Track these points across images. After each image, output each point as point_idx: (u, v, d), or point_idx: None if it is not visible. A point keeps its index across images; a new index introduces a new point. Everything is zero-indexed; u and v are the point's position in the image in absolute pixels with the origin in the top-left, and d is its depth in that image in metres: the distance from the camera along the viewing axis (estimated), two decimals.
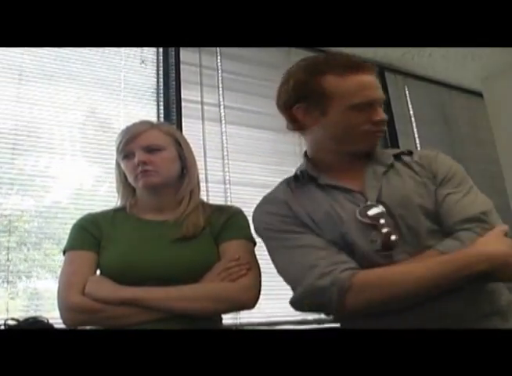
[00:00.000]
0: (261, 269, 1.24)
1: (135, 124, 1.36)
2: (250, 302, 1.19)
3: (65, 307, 1.15)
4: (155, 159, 1.28)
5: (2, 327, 1.36)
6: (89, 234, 1.26)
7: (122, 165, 1.33)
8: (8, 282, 1.92)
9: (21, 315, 1.85)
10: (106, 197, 2.12)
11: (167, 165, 1.30)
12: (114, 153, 1.36)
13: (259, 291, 1.20)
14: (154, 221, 1.30)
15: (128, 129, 1.34)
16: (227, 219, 1.30)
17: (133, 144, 1.28)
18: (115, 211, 1.35)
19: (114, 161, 1.39)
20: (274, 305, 2.04)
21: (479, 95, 3.58)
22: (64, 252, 1.27)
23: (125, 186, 1.36)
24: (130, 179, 1.32)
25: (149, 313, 1.12)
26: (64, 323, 1.15)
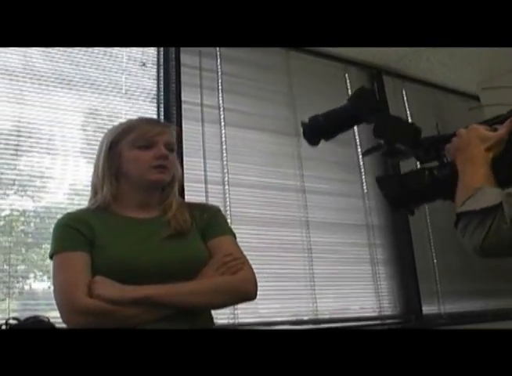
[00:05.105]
0: (258, 272, 1.28)
1: (152, 120, 1.44)
2: (253, 292, 1.24)
3: (73, 310, 1.12)
4: (171, 158, 1.31)
5: (4, 327, 1.38)
6: (80, 234, 1.21)
7: (129, 154, 1.29)
8: (9, 282, 1.93)
9: (17, 315, 1.87)
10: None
11: (175, 165, 1.34)
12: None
13: (256, 282, 1.25)
14: (141, 219, 1.28)
15: (148, 121, 1.37)
16: (211, 216, 1.34)
17: (159, 137, 1.29)
18: (93, 208, 1.29)
19: (103, 151, 1.32)
20: (269, 305, 2.06)
21: (476, 98, 3.61)
22: (52, 254, 1.21)
23: (111, 179, 1.29)
24: (135, 170, 1.28)
25: (157, 311, 1.13)
26: (71, 326, 1.12)
